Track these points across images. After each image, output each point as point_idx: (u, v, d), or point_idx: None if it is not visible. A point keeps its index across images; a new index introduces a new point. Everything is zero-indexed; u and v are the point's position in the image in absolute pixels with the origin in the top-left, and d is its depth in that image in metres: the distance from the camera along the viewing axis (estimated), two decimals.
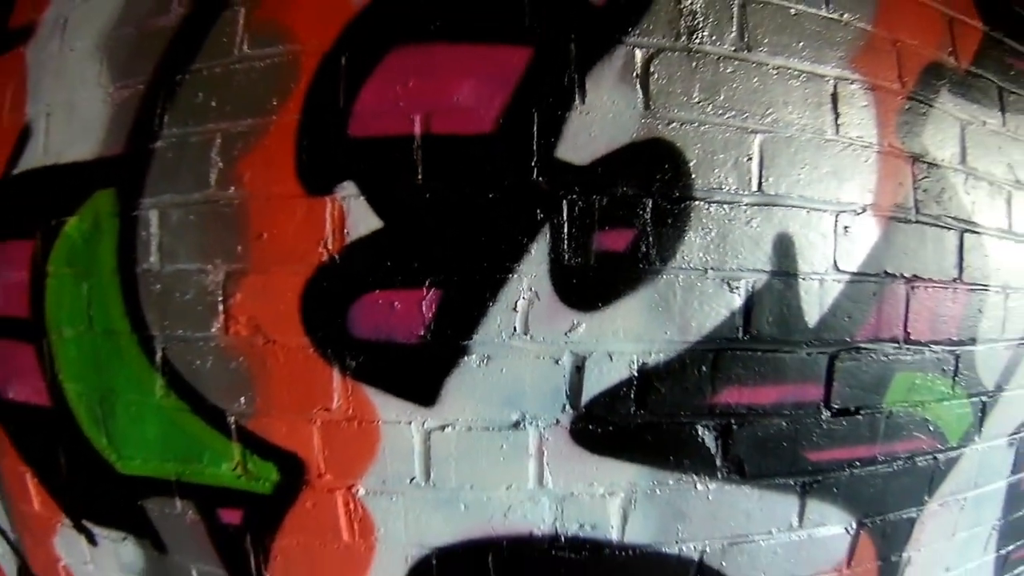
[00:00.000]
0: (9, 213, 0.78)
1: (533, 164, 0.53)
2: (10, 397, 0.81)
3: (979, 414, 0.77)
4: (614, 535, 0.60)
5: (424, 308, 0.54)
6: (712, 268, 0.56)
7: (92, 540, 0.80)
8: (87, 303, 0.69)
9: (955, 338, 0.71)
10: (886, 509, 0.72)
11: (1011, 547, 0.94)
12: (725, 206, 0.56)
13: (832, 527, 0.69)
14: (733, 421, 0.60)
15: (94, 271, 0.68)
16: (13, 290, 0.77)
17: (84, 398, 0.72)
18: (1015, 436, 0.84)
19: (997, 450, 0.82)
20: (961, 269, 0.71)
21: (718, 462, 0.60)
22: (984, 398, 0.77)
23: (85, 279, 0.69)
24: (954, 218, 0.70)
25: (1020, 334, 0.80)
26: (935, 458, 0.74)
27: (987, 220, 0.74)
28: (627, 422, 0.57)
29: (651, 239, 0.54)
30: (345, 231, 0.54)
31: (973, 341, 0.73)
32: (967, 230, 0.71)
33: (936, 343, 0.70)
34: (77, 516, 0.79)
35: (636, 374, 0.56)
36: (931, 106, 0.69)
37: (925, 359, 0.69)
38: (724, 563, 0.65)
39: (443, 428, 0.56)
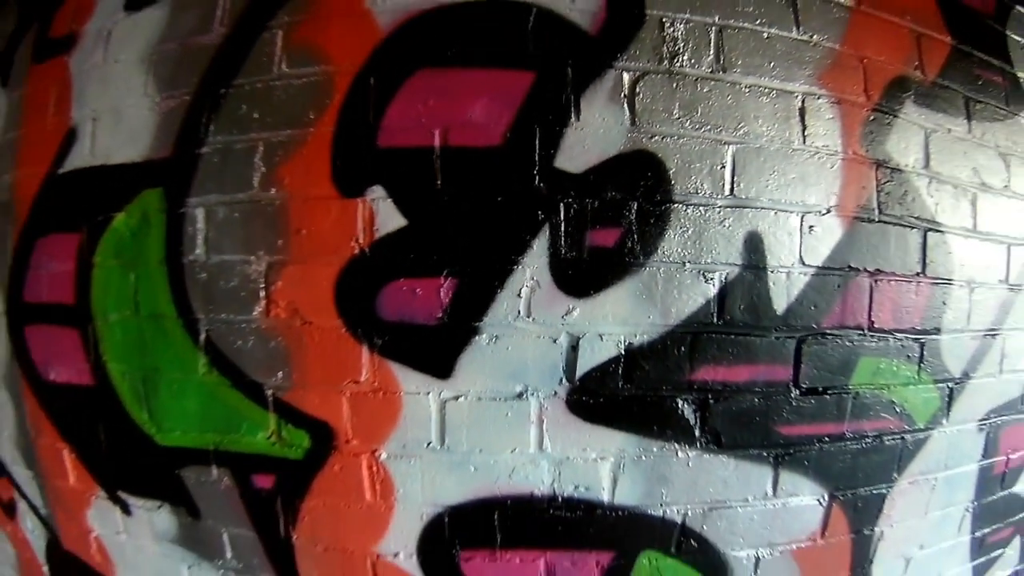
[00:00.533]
0: (56, 209, 0.94)
1: (535, 172, 0.68)
2: (52, 378, 0.97)
3: (947, 399, 0.92)
4: (605, 497, 0.76)
5: (442, 294, 0.70)
6: (689, 261, 0.71)
7: (126, 510, 0.95)
8: (134, 290, 0.85)
9: (919, 327, 0.87)
10: (856, 484, 0.87)
11: (986, 530, 1.09)
12: (701, 208, 0.71)
13: (805, 498, 0.84)
14: (710, 396, 0.75)
15: (141, 261, 0.84)
16: (59, 279, 0.93)
17: (128, 377, 0.87)
18: (985, 422, 0.99)
19: (966, 434, 0.97)
20: (924, 264, 0.86)
21: (697, 432, 0.76)
22: (951, 384, 0.92)
23: (132, 269, 0.85)
24: (917, 218, 0.85)
25: (986, 326, 0.95)
26: (903, 438, 0.89)
27: (951, 220, 0.89)
28: (616, 395, 0.72)
29: (636, 236, 0.70)
30: (374, 228, 0.70)
31: (937, 331, 0.89)
32: (930, 229, 0.87)
33: (900, 331, 0.85)
34: (113, 488, 0.95)
35: (623, 353, 0.71)
36: (895, 116, 0.85)
37: (889, 346, 0.84)
38: (705, 527, 0.81)
39: (457, 398, 0.72)
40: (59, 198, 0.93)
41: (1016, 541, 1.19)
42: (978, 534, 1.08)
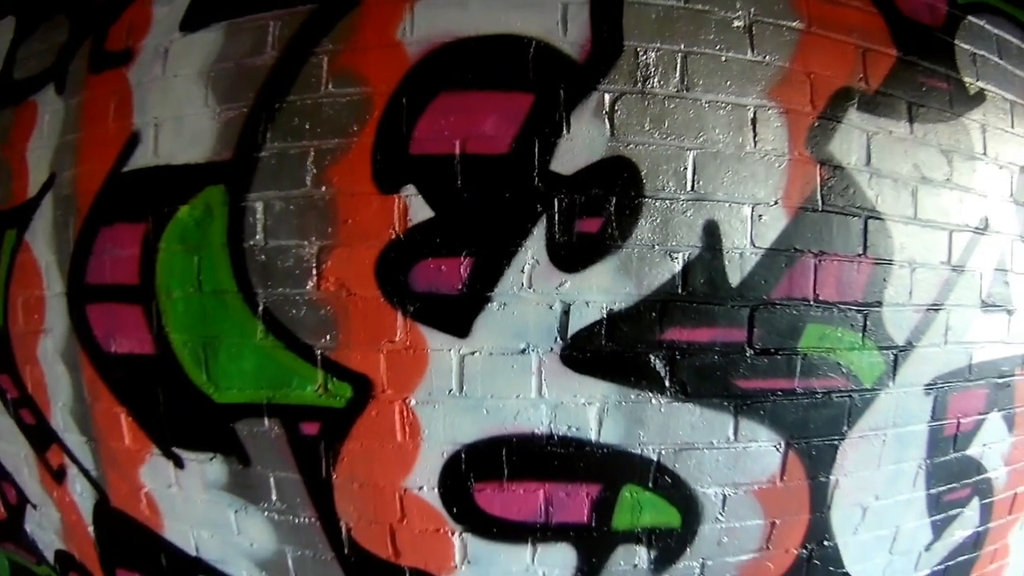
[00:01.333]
0: (121, 202, 1.28)
1: (535, 174, 1.03)
2: (112, 350, 1.31)
3: (891, 364, 1.27)
4: (593, 436, 1.10)
5: (461, 270, 1.04)
6: (658, 244, 1.05)
7: (179, 464, 1.30)
8: (197, 270, 1.19)
9: (861, 300, 1.21)
10: (809, 434, 1.22)
11: (942, 488, 1.43)
12: (667, 201, 1.05)
13: (763, 444, 1.19)
14: (677, 353, 1.09)
15: (205, 245, 1.18)
16: (123, 263, 1.27)
17: (189, 345, 1.22)
18: (932, 387, 1.33)
19: (913, 396, 1.31)
20: (865, 247, 1.20)
21: (667, 383, 1.10)
22: (895, 351, 1.26)
23: (196, 252, 1.19)
24: (858, 207, 1.20)
25: (929, 301, 1.29)
26: (850, 396, 1.23)
27: (891, 209, 1.23)
28: (600, 351, 1.07)
29: (615, 224, 1.04)
30: (408, 218, 1.04)
31: (879, 304, 1.23)
32: (871, 217, 1.21)
33: (843, 303, 1.19)
34: (168, 444, 1.30)
35: (605, 317, 1.06)
36: (839, 122, 1.19)
37: (834, 315, 1.19)
38: (677, 465, 1.15)
39: (473, 353, 1.06)
40: (124, 192, 1.28)
41: (975, 502, 1.54)
42: (933, 491, 1.43)
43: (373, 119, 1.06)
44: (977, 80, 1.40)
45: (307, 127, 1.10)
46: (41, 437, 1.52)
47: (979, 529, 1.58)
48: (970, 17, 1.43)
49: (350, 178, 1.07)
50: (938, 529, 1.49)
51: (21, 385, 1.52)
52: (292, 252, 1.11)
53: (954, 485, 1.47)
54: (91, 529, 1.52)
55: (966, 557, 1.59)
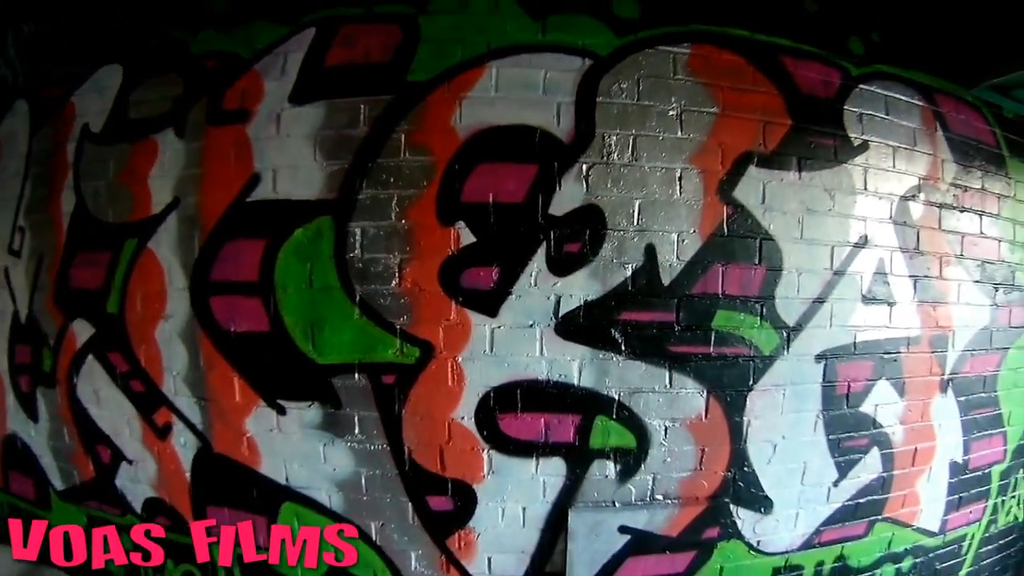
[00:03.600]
0: (244, 223, 2.97)
1: (539, 216, 2.77)
2: (232, 329, 3.01)
3: (785, 339, 3.04)
4: (575, 381, 2.87)
5: (493, 275, 2.79)
6: (616, 259, 2.81)
7: (282, 412, 3.03)
8: (309, 273, 2.91)
9: (758, 294, 2.96)
10: (724, 385, 2.99)
11: (841, 435, 3.20)
12: (621, 232, 2.81)
13: (691, 391, 2.96)
14: (629, 328, 2.85)
15: (316, 256, 2.90)
16: (245, 266, 2.98)
17: (300, 324, 2.95)
18: (821, 357, 3.09)
19: (805, 363, 3.10)
20: (760, 259, 2.96)
21: (623, 347, 2.85)
22: (787, 330, 3.02)
23: (308, 261, 2.91)
24: (754, 233, 2.96)
25: (814, 295, 3.06)
26: (753, 360, 3.00)
27: (781, 233, 3.01)
28: (580, 326, 2.83)
29: (589, 247, 2.79)
30: (460, 242, 2.78)
31: (773, 297, 2.98)
32: (764, 239, 2.96)
33: (744, 296, 2.95)
34: (273, 397, 3.01)
35: (583, 304, 2.83)
36: (741, 175, 2.95)
37: (737, 304, 2.95)
38: (631, 403, 2.91)
39: (499, 327, 2.81)
40: (247, 216, 2.96)
41: (875, 451, 3.30)
42: (833, 437, 3.20)
43: (437, 178, 2.77)
44: (863, 134, 3.15)
45: (392, 180, 2.80)
46: (150, 402, 3.19)
47: (883, 475, 3.35)
48: (861, 85, 3.18)
49: (422, 216, 2.77)
50: (842, 469, 3.26)
51: (134, 361, 3.18)
52: (382, 262, 2.80)
53: (852, 434, 3.25)
54: (188, 475, 3.20)
55: (875, 498, 3.35)
